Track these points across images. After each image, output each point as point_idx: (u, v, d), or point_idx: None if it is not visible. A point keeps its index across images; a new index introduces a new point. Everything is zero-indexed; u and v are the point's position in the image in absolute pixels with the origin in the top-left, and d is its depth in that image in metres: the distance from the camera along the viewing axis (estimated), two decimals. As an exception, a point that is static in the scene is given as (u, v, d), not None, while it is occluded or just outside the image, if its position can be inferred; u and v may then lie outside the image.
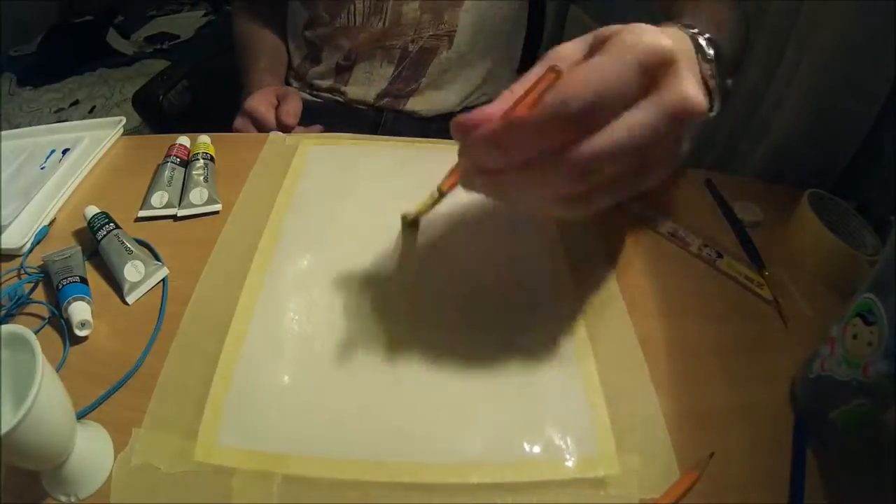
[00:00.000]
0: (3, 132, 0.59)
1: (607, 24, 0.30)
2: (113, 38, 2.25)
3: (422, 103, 0.75)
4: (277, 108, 0.66)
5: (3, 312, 0.40)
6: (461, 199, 0.54)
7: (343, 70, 0.75)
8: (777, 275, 0.48)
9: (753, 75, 0.70)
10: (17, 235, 0.46)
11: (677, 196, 0.57)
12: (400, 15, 0.70)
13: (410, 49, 0.72)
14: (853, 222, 0.52)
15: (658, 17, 0.42)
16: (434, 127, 0.75)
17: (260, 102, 0.65)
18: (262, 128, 0.65)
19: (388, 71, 0.73)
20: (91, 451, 0.33)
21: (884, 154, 0.59)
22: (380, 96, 0.74)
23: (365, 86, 0.74)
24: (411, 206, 0.38)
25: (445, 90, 0.75)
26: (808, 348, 0.39)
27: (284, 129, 0.64)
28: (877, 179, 0.60)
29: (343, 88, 0.75)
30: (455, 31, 0.71)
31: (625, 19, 0.30)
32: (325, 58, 0.75)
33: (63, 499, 0.32)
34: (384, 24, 0.70)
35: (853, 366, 0.34)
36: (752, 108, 0.70)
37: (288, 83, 0.79)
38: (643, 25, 0.29)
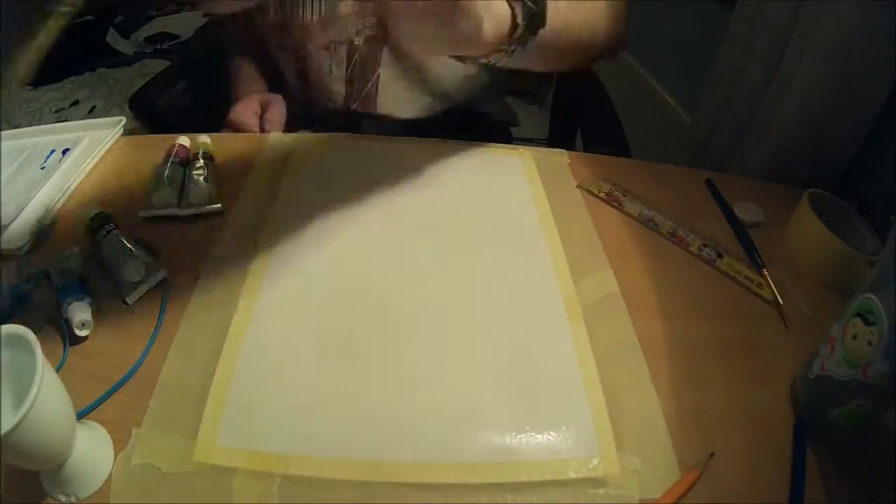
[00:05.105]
0: (3, 132, 0.59)
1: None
2: (113, 38, 2.25)
3: (390, 104, 0.68)
4: (261, 116, 0.64)
5: (4, 312, 0.40)
6: (462, 206, 0.54)
7: (303, 84, 0.69)
8: (777, 275, 0.48)
9: (753, 75, 0.70)
10: (17, 235, 0.46)
11: (677, 196, 0.57)
12: (335, 7, 0.63)
13: (356, 42, 0.65)
14: (853, 222, 0.52)
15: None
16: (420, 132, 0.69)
17: (243, 113, 0.64)
18: None
19: (342, 71, 0.66)
20: (91, 451, 0.33)
21: (884, 154, 0.60)
22: (347, 101, 0.68)
23: (327, 99, 0.68)
24: None
25: (412, 90, 0.68)
26: (808, 348, 0.39)
27: None
28: (877, 179, 0.60)
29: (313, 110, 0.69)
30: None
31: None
32: (286, 71, 0.70)
33: (63, 499, 0.32)
34: (319, 14, 0.64)
35: (853, 366, 0.34)
36: (752, 108, 0.70)
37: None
38: None
